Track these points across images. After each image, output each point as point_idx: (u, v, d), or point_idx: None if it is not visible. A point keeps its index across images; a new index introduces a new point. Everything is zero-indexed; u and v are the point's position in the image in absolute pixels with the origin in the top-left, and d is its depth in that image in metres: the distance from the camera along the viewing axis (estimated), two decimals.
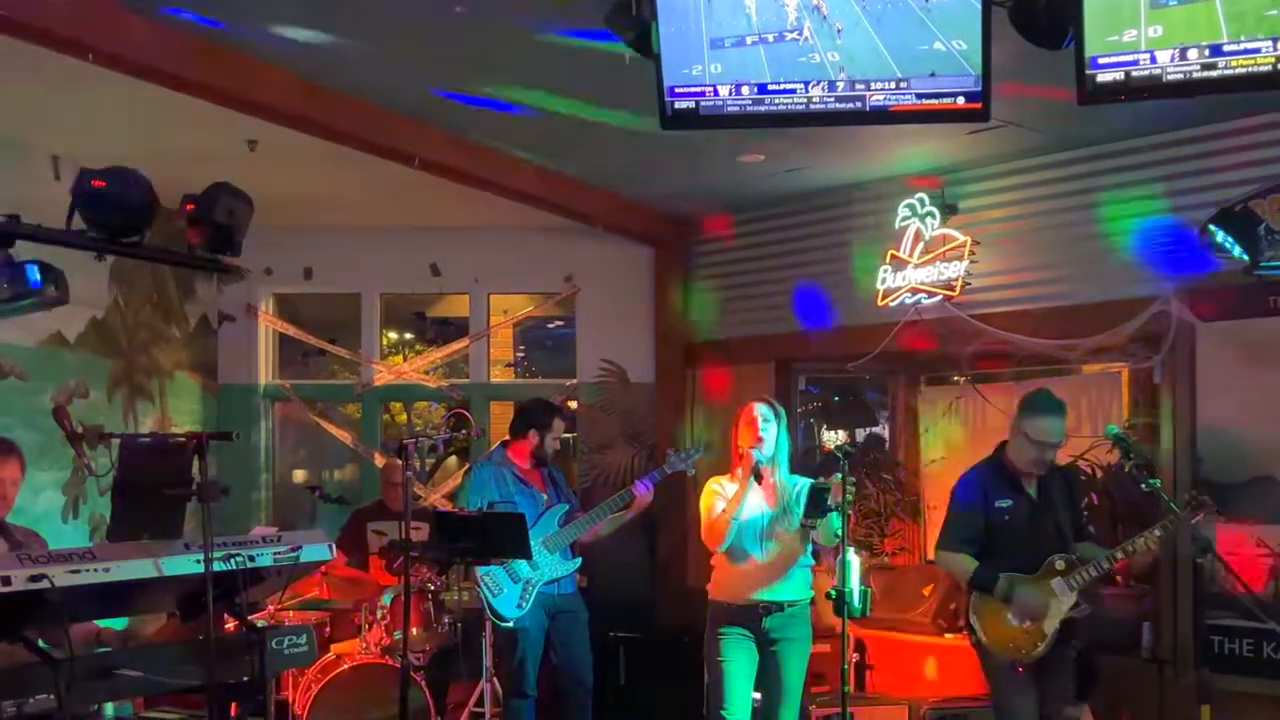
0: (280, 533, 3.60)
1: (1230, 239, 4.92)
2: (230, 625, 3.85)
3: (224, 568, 3.22)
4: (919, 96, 3.77)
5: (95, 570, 2.95)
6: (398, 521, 5.23)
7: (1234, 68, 3.41)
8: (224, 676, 3.29)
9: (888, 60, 3.75)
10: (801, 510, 4.75)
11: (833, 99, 3.83)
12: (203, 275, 7.56)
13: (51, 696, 2.91)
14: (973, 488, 4.85)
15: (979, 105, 3.75)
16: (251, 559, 3.30)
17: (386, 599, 5.92)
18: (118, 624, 4.14)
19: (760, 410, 4.90)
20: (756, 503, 4.87)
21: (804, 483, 4.87)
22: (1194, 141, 5.48)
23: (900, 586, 6.46)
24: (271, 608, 5.62)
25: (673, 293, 7.70)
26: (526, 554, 5.16)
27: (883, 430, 7.88)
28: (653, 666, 6.53)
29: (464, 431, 6.00)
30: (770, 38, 3.82)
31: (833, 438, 8.25)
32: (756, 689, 4.95)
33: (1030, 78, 4.38)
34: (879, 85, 3.79)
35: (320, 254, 7.92)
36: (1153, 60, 3.49)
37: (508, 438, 5.89)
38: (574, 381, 8.00)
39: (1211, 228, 5.05)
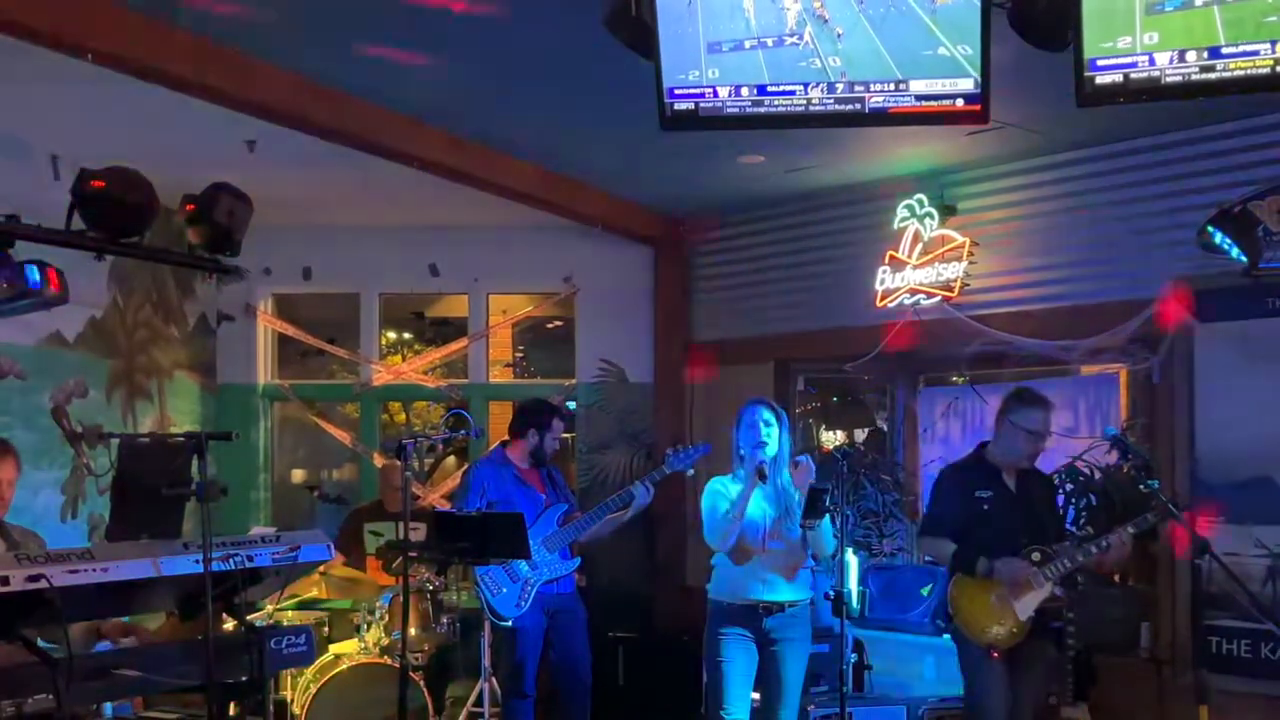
0: (279, 533, 3.60)
1: (1228, 240, 4.92)
2: (229, 625, 3.85)
3: (223, 568, 3.22)
4: (918, 98, 3.77)
5: (94, 570, 2.95)
6: (395, 522, 5.24)
7: (1232, 70, 3.41)
8: (223, 676, 3.29)
9: (889, 64, 3.75)
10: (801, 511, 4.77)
11: (832, 101, 3.83)
12: (202, 275, 7.55)
13: (50, 696, 2.91)
14: (955, 477, 4.99)
15: (978, 107, 3.75)
16: (250, 559, 3.30)
17: (385, 599, 5.93)
18: None
19: (762, 412, 4.92)
20: (758, 503, 4.88)
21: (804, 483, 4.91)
22: (1192, 143, 5.48)
23: (898, 587, 6.46)
24: (270, 607, 5.63)
25: (672, 293, 7.71)
26: (525, 554, 5.16)
27: (883, 427, 7.89)
28: (651, 666, 6.54)
29: (463, 431, 6.00)
30: (769, 42, 3.82)
31: (831, 438, 8.26)
32: (756, 689, 4.96)
33: (1029, 79, 4.38)
34: (878, 87, 3.79)
35: (319, 254, 7.93)
36: (1151, 62, 3.50)
37: (507, 438, 5.89)
38: (573, 381, 8.01)
39: (1210, 229, 5.05)
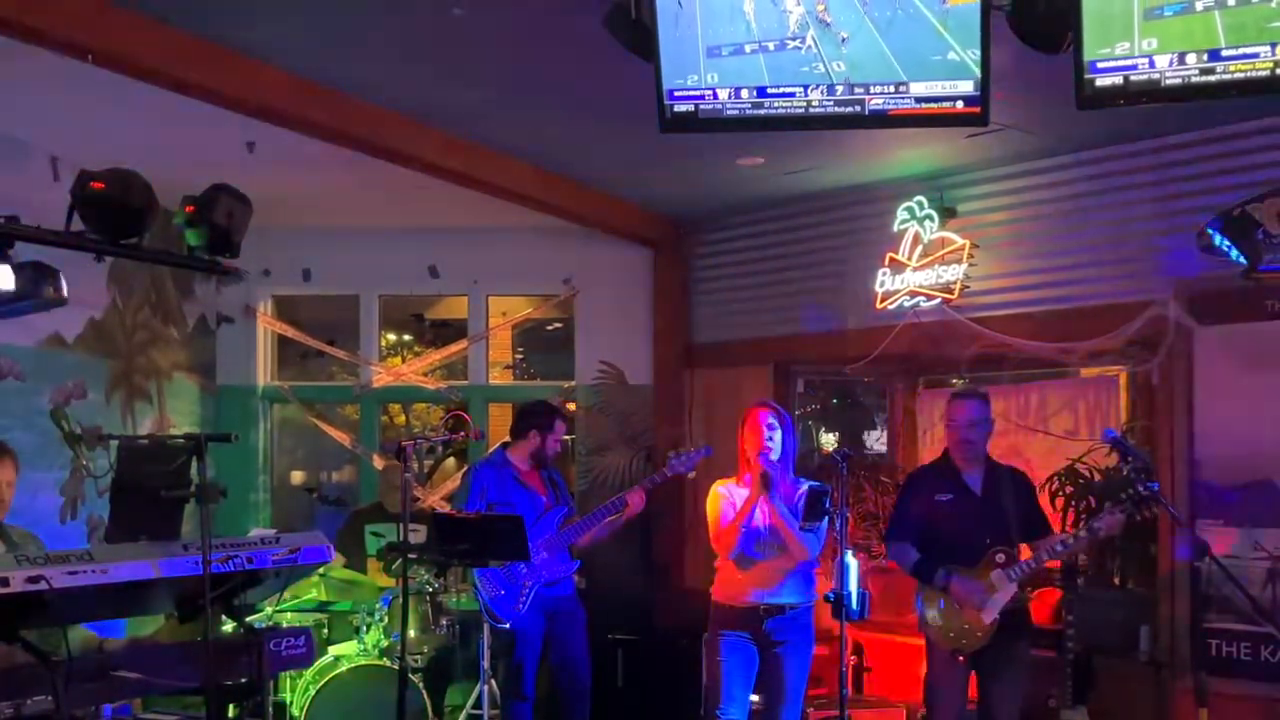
0: (279, 534, 3.60)
1: (1228, 242, 4.92)
2: (228, 627, 3.85)
3: (223, 569, 3.22)
4: (918, 100, 3.77)
5: (93, 571, 2.95)
6: (396, 524, 5.24)
7: (1232, 73, 3.41)
8: (222, 678, 3.29)
9: (895, 69, 3.72)
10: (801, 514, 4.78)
11: (832, 103, 3.83)
12: (201, 276, 7.56)
13: (49, 698, 2.91)
14: (916, 483, 5.16)
15: (978, 109, 3.75)
16: (250, 560, 3.30)
17: (384, 601, 5.93)
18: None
19: (767, 415, 4.92)
20: (763, 509, 4.87)
21: (805, 486, 4.94)
22: (1192, 145, 5.48)
23: (898, 589, 6.45)
24: (269, 609, 5.63)
25: (671, 295, 7.71)
26: (525, 556, 5.16)
27: (880, 432, 7.89)
28: (651, 668, 6.54)
29: (462, 433, 6.00)
30: (771, 45, 3.79)
31: (829, 440, 8.26)
32: (757, 691, 4.95)
33: (1029, 82, 4.38)
34: (878, 89, 3.78)
35: (319, 255, 7.92)
36: (1151, 65, 3.49)
37: (508, 439, 5.89)
38: (572, 383, 8.01)
39: (1209, 231, 5.06)
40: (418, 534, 5.93)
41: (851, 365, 6.70)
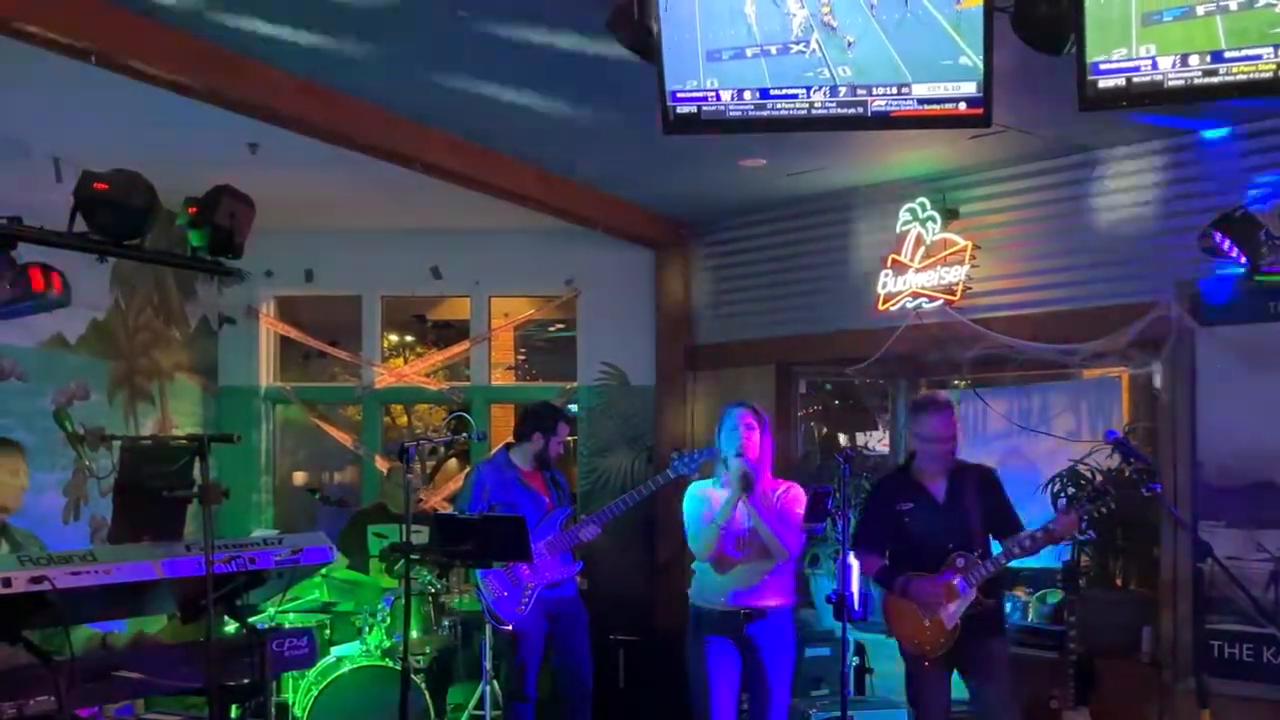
0: (282, 535, 3.61)
1: (1231, 244, 4.91)
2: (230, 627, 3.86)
3: (226, 570, 3.22)
4: (921, 102, 3.76)
5: (96, 572, 2.95)
6: (398, 524, 5.24)
7: (1235, 74, 3.41)
8: (224, 679, 3.29)
9: (903, 73, 3.70)
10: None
11: (835, 104, 3.82)
12: (203, 277, 7.56)
13: (52, 698, 2.91)
14: (877, 493, 5.22)
15: (980, 111, 3.74)
16: (253, 561, 3.31)
17: (386, 602, 5.93)
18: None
19: (744, 416, 4.89)
20: (741, 509, 4.85)
21: (783, 487, 4.94)
22: (1194, 147, 5.47)
23: None
24: (271, 610, 5.63)
25: (673, 296, 7.71)
26: (527, 557, 5.17)
27: (883, 433, 7.89)
28: (652, 669, 6.53)
29: (465, 434, 6.01)
30: (773, 49, 3.75)
31: (843, 440, 8.26)
32: (742, 692, 4.93)
33: (1031, 83, 4.38)
34: (881, 91, 3.78)
35: (321, 256, 7.93)
36: (1154, 67, 3.49)
37: (511, 440, 5.89)
38: (574, 384, 8.01)
39: (1212, 233, 5.05)
40: (420, 535, 5.93)
41: (854, 366, 6.69)
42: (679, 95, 3.94)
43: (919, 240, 6.34)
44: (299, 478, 8.95)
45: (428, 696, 5.78)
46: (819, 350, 6.98)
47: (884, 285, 6.47)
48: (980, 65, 3.65)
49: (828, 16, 3.68)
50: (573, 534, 5.58)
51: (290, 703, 5.89)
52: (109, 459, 3.38)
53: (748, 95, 3.90)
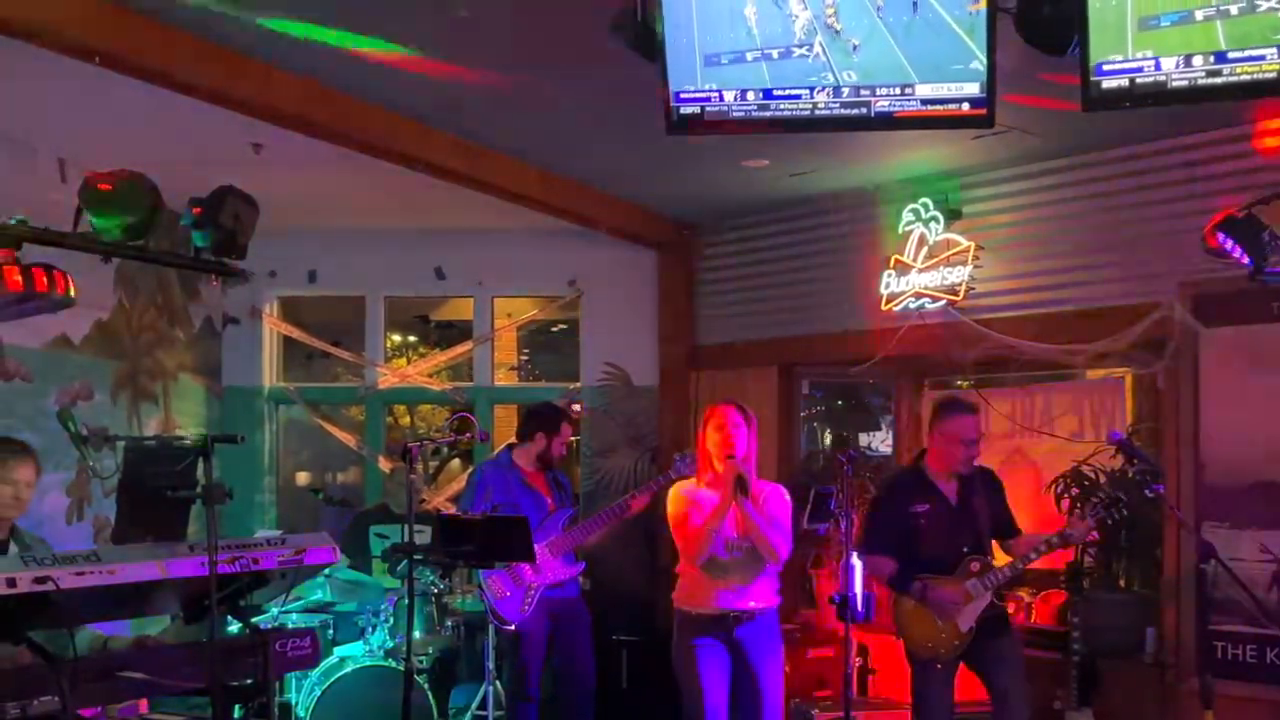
0: (285, 535, 3.61)
1: (1234, 245, 4.91)
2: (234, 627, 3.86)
3: (229, 570, 3.22)
4: (924, 102, 3.76)
5: (100, 572, 2.96)
6: (401, 525, 5.24)
7: (1239, 75, 3.40)
8: (227, 679, 3.30)
9: (909, 73, 3.67)
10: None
11: (838, 105, 3.81)
12: (207, 278, 7.56)
13: (55, 698, 2.91)
14: (889, 494, 5.13)
15: (983, 111, 3.74)
16: (256, 561, 3.31)
17: (389, 602, 5.93)
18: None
19: (733, 414, 4.84)
20: (735, 513, 4.78)
21: (767, 489, 4.89)
22: (1198, 147, 5.47)
23: None
24: (274, 610, 5.63)
25: (676, 296, 7.71)
26: (529, 557, 5.17)
27: (886, 434, 7.89)
28: (654, 669, 6.52)
29: (468, 435, 6.01)
30: (775, 53, 3.71)
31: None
32: (733, 695, 4.91)
33: (1034, 83, 4.38)
34: (884, 91, 3.77)
35: (325, 257, 7.93)
36: (1157, 67, 3.48)
37: (514, 441, 5.89)
38: (577, 385, 8.01)
39: (1215, 233, 5.04)
40: (423, 535, 5.93)
41: (857, 367, 6.69)
42: (682, 95, 3.94)
43: (922, 240, 6.34)
44: (302, 478, 8.96)
45: (430, 697, 5.78)
46: (822, 351, 6.99)
47: (887, 285, 6.47)
48: (984, 65, 3.65)
49: (832, 19, 3.63)
50: (575, 535, 5.58)
51: (293, 703, 5.90)
52: (112, 459, 3.38)
53: (751, 96, 3.89)
